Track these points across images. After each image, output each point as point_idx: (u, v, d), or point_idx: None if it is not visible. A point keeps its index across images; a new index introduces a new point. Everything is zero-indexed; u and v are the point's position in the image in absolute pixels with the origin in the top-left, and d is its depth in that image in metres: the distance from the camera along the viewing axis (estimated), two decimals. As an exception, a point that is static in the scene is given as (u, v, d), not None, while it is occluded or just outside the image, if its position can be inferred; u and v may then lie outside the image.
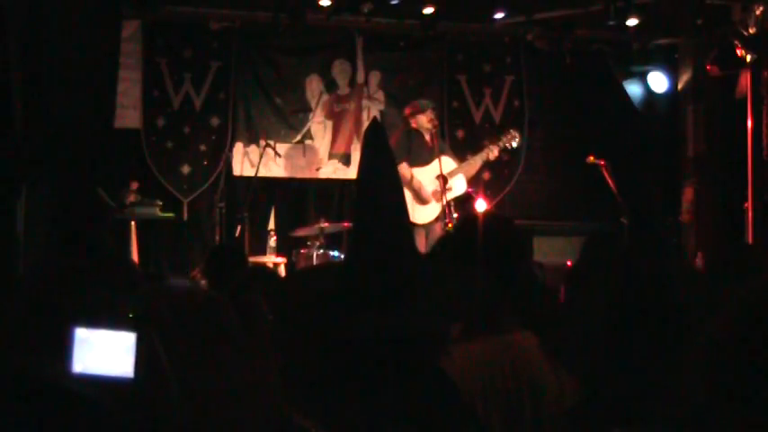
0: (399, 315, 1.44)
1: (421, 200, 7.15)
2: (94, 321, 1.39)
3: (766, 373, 1.10)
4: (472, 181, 7.86)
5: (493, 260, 2.10)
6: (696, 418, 1.18)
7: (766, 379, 1.10)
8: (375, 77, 8.51)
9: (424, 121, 7.21)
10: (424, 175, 7.18)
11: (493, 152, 7.31)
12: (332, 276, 1.55)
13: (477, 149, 7.59)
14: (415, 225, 7.06)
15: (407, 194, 7.02)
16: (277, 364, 1.51)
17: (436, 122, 7.24)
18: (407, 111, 7.41)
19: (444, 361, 1.68)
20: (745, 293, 1.18)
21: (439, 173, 7.00)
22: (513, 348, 2.10)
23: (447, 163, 7.10)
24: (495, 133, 7.94)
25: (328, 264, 5.84)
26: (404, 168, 7.05)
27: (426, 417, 1.50)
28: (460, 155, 7.63)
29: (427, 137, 7.26)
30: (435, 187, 7.11)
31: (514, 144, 7.48)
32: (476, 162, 7.31)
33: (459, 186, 7.23)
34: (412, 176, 7.13)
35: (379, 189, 1.51)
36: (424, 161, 7.20)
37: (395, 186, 1.53)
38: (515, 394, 2.05)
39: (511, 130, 7.53)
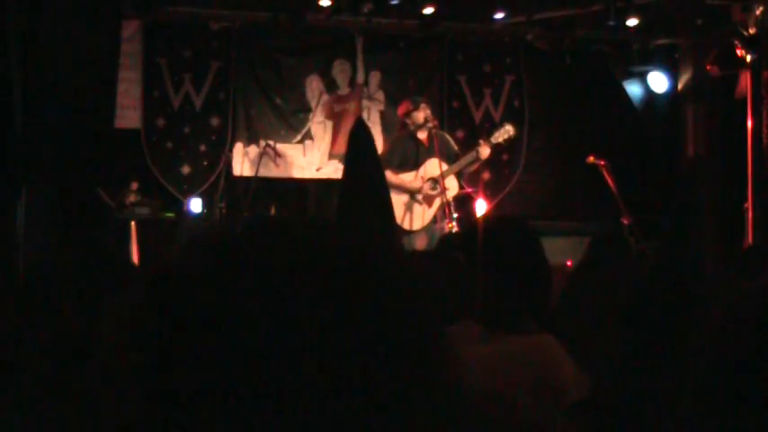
0: (380, 320, 1.43)
1: (415, 204, 7.09)
2: None
3: (754, 380, 1.09)
4: (470, 179, 7.84)
5: (510, 263, 2.10)
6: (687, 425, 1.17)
7: (754, 386, 1.08)
8: (375, 77, 8.50)
9: (420, 118, 7.11)
10: (413, 178, 7.11)
11: (484, 150, 7.09)
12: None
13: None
14: (412, 231, 7.02)
15: (400, 200, 7.00)
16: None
17: (433, 118, 7.16)
18: (401, 111, 7.33)
19: (455, 366, 1.66)
20: (735, 299, 1.16)
21: (429, 176, 6.98)
22: (534, 350, 2.10)
23: (437, 165, 6.94)
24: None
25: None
26: (389, 176, 6.98)
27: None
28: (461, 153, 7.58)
29: (423, 135, 7.17)
30: (428, 191, 7.06)
31: (506, 137, 7.31)
32: (465, 161, 7.12)
33: (451, 187, 7.13)
34: (398, 180, 7.05)
35: (363, 190, 1.51)
36: (414, 165, 7.13)
37: (379, 187, 1.52)
38: (534, 396, 2.05)
39: (505, 125, 7.39)
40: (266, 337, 0.68)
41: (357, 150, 1.59)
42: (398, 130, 7.46)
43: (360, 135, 1.61)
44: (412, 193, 7.06)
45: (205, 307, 0.70)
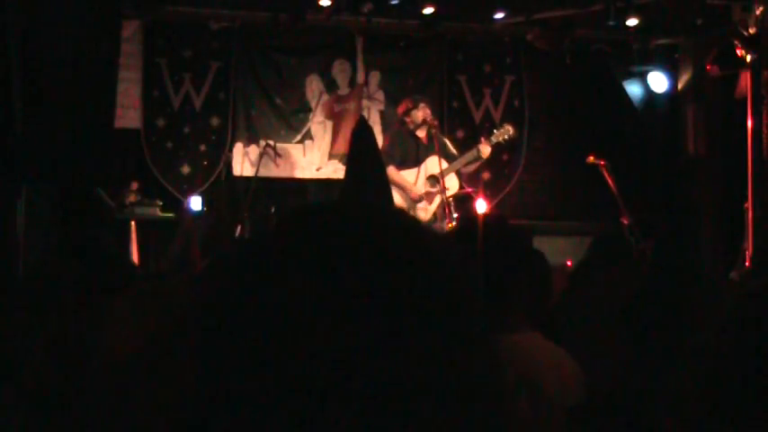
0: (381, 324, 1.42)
1: (413, 202, 7.10)
2: None
3: (759, 382, 1.09)
4: (470, 179, 7.84)
5: (496, 261, 2.10)
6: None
7: (759, 388, 1.08)
8: (375, 77, 8.50)
9: (418, 117, 7.14)
10: (413, 176, 7.12)
11: (485, 149, 7.17)
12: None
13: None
14: None
15: (398, 198, 7.01)
16: None
17: (432, 118, 7.18)
18: (400, 109, 7.36)
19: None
20: (738, 299, 1.16)
21: (430, 173, 7.00)
22: (513, 348, 2.10)
23: (437, 163, 6.96)
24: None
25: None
26: (391, 172, 6.98)
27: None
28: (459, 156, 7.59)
29: (422, 134, 7.19)
30: (428, 188, 7.08)
31: (506, 137, 7.37)
32: (466, 159, 7.19)
33: (452, 186, 7.15)
34: (400, 179, 7.06)
35: (365, 188, 1.51)
36: (415, 162, 7.15)
37: (381, 185, 1.52)
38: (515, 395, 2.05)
39: (505, 125, 7.46)
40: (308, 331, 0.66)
41: (360, 149, 1.59)
42: (397, 125, 7.47)
43: (362, 134, 1.61)
44: (404, 194, 7.08)
45: (260, 303, 0.69)
